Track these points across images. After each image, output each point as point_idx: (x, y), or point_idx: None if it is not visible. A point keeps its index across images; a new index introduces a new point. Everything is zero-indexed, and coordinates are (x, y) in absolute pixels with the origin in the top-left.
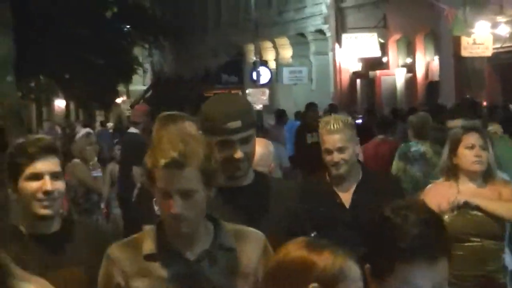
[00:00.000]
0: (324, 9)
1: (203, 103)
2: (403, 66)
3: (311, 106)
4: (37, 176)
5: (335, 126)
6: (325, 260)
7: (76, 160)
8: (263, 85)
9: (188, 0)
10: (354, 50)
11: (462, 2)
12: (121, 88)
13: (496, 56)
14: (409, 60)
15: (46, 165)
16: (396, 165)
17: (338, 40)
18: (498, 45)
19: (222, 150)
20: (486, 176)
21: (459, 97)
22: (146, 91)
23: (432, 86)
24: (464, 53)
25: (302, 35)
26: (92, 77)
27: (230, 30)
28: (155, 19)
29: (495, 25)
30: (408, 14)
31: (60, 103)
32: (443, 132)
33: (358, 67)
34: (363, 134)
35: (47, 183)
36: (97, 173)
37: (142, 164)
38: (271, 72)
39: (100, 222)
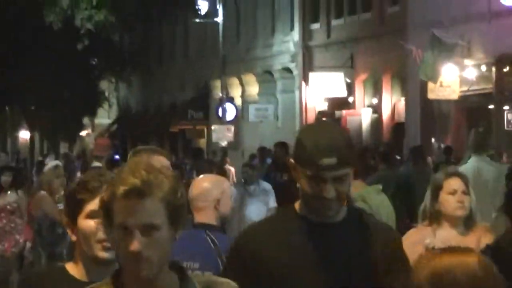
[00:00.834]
0: (291, 47)
1: (167, 138)
2: (369, 106)
3: (279, 145)
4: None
5: None
6: None
7: (43, 192)
8: (229, 122)
9: (156, 34)
10: (320, 89)
11: (430, 44)
12: (86, 121)
13: (463, 99)
14: (375, 101)
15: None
16: None
17: (305, 78)
18: (465, 88)
19: (312, 186)
20: (467, 222)
21: (424, 139)
22: (111, 125)
23: (398, 128)
24: (431, 95)
25: (269, 72)
26: (58, 109)
27: (197, 65)
28: (123, 52)
29: (462, 68)
30: (375, 54)
31: (24, 135)
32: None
33: (324, 106)
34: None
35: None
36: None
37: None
38: (237, 109)
39: (65, 256)
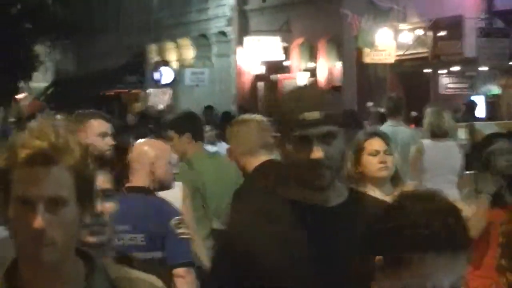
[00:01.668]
0: (227, 11)
1: (103, 102)
2: (305, 70)
3: (209, 109)
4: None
5: None
6: None
7: None
8: (166, 86)
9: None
10: (257, 53)
11: (365, 9)
12: (22, 84)
13: (399, 63)
14: (311, 65)
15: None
16: None
17: (241, 42)
18: (401, 52)
19: (298, 151)
20: (394, 181)
21: (361, 103)
22: (47, 88)
23: (335, 91)
24: (367, 59)
25: (205, 36)
26: None
27: (132, 30)
28: (56, 18)
29: (398, 32)
30: (311, 18)
31: None
32: None
33: (261, 70)
34: None
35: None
36: None
37: None
38: (173, 73)
39: None
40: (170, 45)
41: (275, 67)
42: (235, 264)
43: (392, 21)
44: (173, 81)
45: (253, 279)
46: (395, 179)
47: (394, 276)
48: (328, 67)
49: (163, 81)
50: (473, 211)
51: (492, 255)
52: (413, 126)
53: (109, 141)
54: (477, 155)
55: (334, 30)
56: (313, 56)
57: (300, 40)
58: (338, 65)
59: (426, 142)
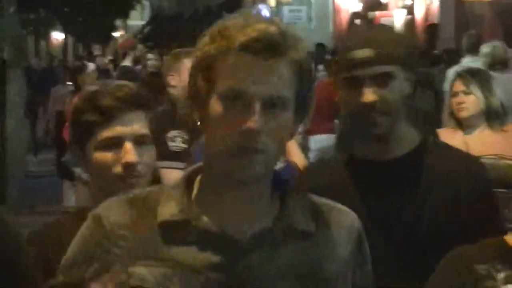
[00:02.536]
0: None
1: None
2: (402, 7)
3: (320, 46)
4: (115, 142)
5: None
6: None
7: None
8: None
9: None
10: None
11: None
12: (119, 23)
13: (497, 1)
14: (408, 2)
15: (128, 125)
16: None
17: None
18: None
19: (349, 93)
20: (490, 122)
21: (458, 42)
22: (144, 27)
23: (431, 29)
24: None
25: None
26: (90, 10)
27: None
28: None
29: None
30: None
31: (58, 36)
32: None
33: (358, 7)
34: None
35: (129, 152)
36: None
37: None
38: (270, 11)
39: None
40: None
41: (372, 5)
42: None
43: None
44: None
45: None
46: (491, 120)
47: None
48: (425, 4)
49: None
50: None
51: None
52: None
53: None
54: None
55: None
56: None
57: None
58: (436, 2)
59: None
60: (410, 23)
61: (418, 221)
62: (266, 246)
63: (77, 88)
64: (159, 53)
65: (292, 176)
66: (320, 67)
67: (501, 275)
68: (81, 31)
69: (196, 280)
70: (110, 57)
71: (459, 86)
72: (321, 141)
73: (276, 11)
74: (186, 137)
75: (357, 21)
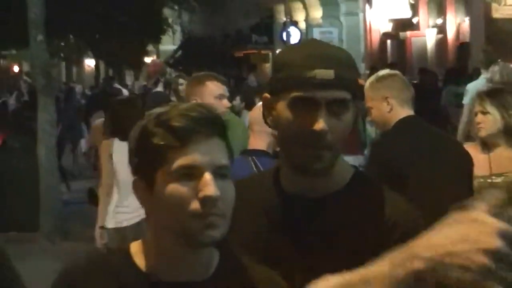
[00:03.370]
0: None
1: (232, 64)
2: (433, 26)
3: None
4: (193, 172)
5: None
6: None
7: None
8: None
9: None
10: (384, 10)
11: None
12: (151, 48)
13: None
14: (439, 21)
15: (207, 153)
16: None
17: (369, 1)
18: None
19: (297, 116)
20: (509, 140)
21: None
22: (176, 51)
23: (463, 48)
24: (495, 14)
25: None
26: (122, 37)
27: None
28: None
29: None
30: None
31: (89, 63)
32: None
33: (388, 27)
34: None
35: (209, 184)
36: None
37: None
38: (301, 33)
39: None
40: (297, 5)
41: (403, 24)
42: None
43: None
44: (300, 40)
45: None
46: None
47: None
48: (456, 23)
49: (291, 41)
50: None
51: None
52: None
53: (226, 103)
54: None
55: None
56: (441, 12)
57: None
58: (466, 21)
59: None
60: (441, 42)
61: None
62: None
63: None
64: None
65: None
66: None
67: None
68: (113, 57)
69: None
70: (144, 83)
71: (477, 106)
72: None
73: (306, 32)
74: None
75: (388, 42)
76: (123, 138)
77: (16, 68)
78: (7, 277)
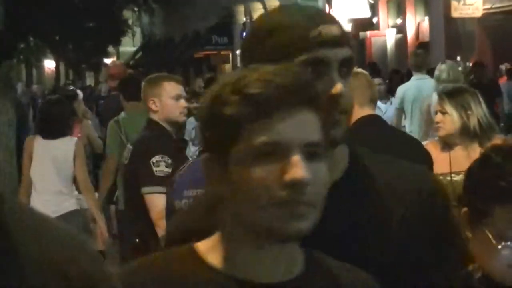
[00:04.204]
0: None
1: (192, 65)
2: (393, 26)
3: None
4: (277, 151)
5: None
6: None
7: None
8: None
9: None
10: (344, 10)
11: None
12: (111, 49)
13: (486, 17)
14: (399, 21)
15: (296, 128)
16: None
17: (328, 0)
18: (488, 6)
19: None
20: (467, 140)
21: (449, 58)
22: (135, 53)
23: (422, 48)
24: (455, 14)
25: None
26: (82, 38)
27: None
28: None
29: None
30: None
31: (49, 64)
32: None
33: (348, 27)
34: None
35: (297, 166)
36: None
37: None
38: None
39: None
40: (258, 6)
41: (363, 25)
42: None
43: None
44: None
45: None
46: (476, 136)
47: (478, 228)
48: (416, 23)
49: None
50: None
51: None
52: (505, 78)
53: (182, 103)
54: None
55: None
56: (400, 12)
57: None
58: (426, 20)
59: None
60: (401, 42)
61: None
62: None
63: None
64: None
65: None
66: None
67: None
68: (73, 59)
69: None
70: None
71: (437, 106)
72: None
73: None
74: (169, 161)
75: None
76: (46, 136)
77: None
78: None
